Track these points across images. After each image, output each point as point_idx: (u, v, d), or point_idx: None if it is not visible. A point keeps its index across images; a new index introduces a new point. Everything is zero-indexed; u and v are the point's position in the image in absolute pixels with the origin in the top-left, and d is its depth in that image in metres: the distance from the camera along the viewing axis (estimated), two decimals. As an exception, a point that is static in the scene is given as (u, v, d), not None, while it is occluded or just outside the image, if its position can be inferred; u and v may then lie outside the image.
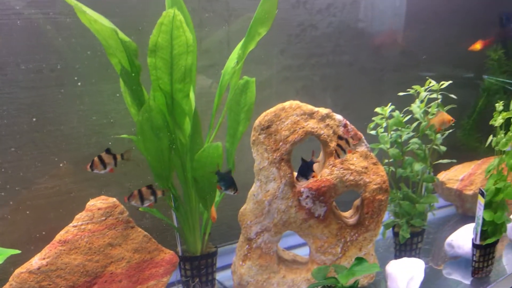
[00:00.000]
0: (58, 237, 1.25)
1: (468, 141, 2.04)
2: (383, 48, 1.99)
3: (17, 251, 1.22)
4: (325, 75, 1.85)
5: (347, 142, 1.33)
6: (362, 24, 1.88)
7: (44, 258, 1.21)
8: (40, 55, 1.32)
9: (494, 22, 2.32)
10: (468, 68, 2.22)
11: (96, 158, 1.26)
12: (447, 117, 1.60)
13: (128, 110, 1.38)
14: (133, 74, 1.21)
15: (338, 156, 1.36)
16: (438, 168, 2.04)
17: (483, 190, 1.62)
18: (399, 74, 2.04)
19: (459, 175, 2.09)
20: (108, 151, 1.28)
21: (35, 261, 1.22)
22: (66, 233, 1.25)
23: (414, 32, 2.08)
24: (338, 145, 1.33)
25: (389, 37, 1.99)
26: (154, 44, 1.19)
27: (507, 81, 2.13)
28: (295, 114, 1.44)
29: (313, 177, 1.39)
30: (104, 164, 1.28)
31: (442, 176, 2.16)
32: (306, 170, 1.37)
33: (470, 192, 2.08)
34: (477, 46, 2.10)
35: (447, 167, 2.14)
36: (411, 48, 2.08)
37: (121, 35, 1.16)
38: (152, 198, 1.30)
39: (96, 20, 1.10)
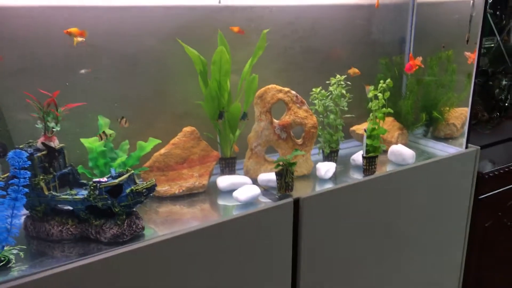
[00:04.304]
0: (171, 141, 2.23)
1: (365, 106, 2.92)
2: (331, 58, 3.01)
3: (159, 141, 2.13)
4: (286, 70, 2.86)
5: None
6: (314, 44, 2.87)
7: (165, 150, 2.22)
8: (156, 67, 2.40)
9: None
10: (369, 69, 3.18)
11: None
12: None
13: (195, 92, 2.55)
14: (204, 73, 2.44)
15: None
16: (350, 123, 2.99)
17: (365, 129, 2.50)
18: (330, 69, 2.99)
19: (362, 127, 2.94)
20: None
21: (162, 150, 2.21)
22: (174, 140, 2.24)
23: (350, 49, 3.07)
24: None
25: (335, 52, 2.99)
26: (214, 60, 2.32)
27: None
28: (273, 90, 2.39)
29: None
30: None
31: (354, 127, 3.01)
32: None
33: (367, 135, 3.00)
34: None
35: (357, 122, 3.01)
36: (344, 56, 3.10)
37: (201, 57, 2.41)
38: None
39: (192, 51, 2.39)
